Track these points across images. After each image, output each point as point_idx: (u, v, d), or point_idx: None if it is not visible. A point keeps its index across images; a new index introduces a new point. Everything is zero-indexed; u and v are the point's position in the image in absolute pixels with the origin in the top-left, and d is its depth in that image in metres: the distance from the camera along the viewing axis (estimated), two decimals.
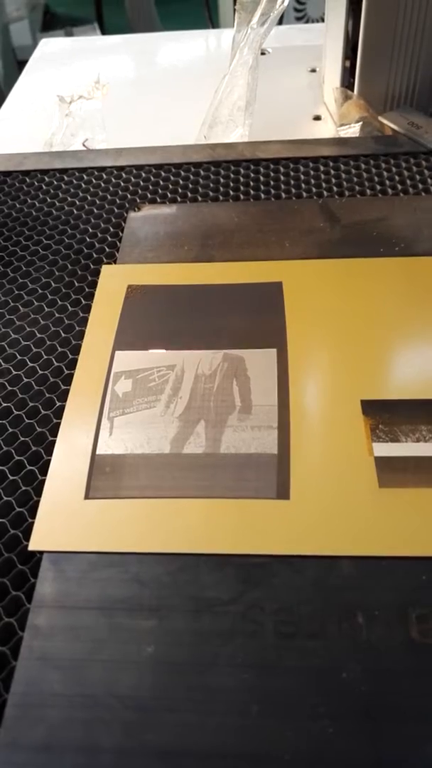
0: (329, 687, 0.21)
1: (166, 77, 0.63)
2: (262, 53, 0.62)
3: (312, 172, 0.44)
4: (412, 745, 0.20)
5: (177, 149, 0.47)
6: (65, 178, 0.45)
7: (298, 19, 1.36)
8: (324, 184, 0.43)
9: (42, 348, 0.33)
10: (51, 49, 0.70)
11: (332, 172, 0.43)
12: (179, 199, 0.43)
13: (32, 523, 0.26)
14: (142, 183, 0.44)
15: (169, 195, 0.43)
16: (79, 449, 0.28)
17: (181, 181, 0.44)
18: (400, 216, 0.39)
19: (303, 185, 0.43)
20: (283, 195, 0.42)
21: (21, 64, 0.68)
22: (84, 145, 0.50)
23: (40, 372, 0.32)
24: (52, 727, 0.21)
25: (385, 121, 0.47)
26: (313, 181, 0.43)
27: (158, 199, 0.43)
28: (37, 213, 0.42)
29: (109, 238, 0.40)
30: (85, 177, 0.45)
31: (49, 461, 0.28)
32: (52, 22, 1.97)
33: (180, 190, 0.43)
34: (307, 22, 1.36)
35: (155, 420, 0.29)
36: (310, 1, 1.33)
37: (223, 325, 0.33)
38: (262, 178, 0.44)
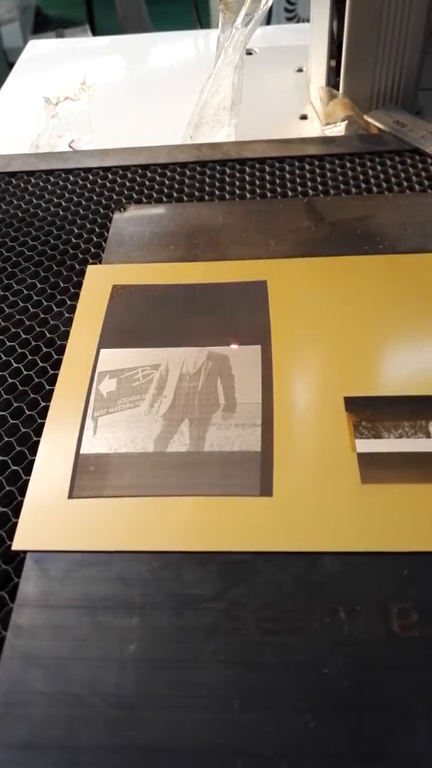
0: (311, 682, 0.22)
1: (152, 78, 0.63)
2: (249, 53, 0.62)
3: (297, 171, 0.44)
4: (393, 738, 0.20)
5: (163, 149, 0.47)
6: (51, 179, 0.45)
7: (289, 19, 1.36)
8: (309, 183, 0.43)
9: (27, 348, 0.33)
10: (40, 50, 0.70)
11: (317, 170, 0.44)
12: (165, 199, 0.43)
13: (16, 522, 0.26)
14: (128, 183, 0.44)
15: (154, 195, 0.43)
16: (63, 449, 0.28)
17: (166, 182, 0.44)
18: (385, 214, 0.39)
19: (288, 184, 0.43)
20: (269, 194, 0.42)
21: (12, 66, 0.68)
22: (70, 146, 0.50)
23: (25, 372, 0.32)
24: (34, 726, 0.21)
25: (371, 120, 0.47)
26: (298, 180, 0.43)
27: (144, 200, 0.43)
28: (23, 214, 0.42)
29: (95, 239, 0.40)
30: (71, 178, 0.45)
31: (33, 461, 0.28)
32: (44, 24, 1.97)
33: (166, 190, 0.43)
34: (298, 21, 1.36)
35: (139, 419, 0.29)
36: (301, 1, 1.34)
37: (207, 324, 0.33)
38: (247, 178, 0.44)
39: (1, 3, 1.71)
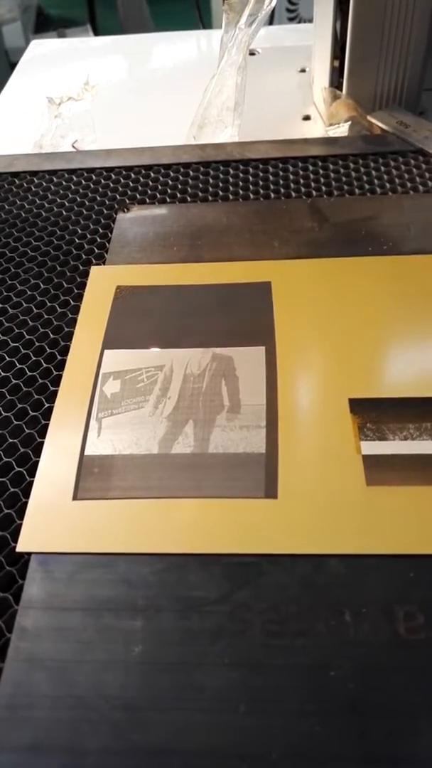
0: (317, 684, 0.21)
1: (155, 78, 0.63)
2: (252, 54, 0.62)
3: (301, 172, 0.44)
4: (399, 741, 0.20)
5: (166, 150, 0.47)
6: (54, 179, 0.45)
7: (291, 20, 1.36)
8: (313, 184, 0.43)
9: (30, 349, 0.33)
10: (42, 50, 0.70)
11: (321, 171, 0.44)
12: (168, 199, 0.43)
13: (20, 524, 0.26)
14: (131, 184, 0.44)
15: (158, 196, 0.43)
16: (68, 450, 0.28)
17: (170, 182, 0.44)
18: (389, 215, 0.39)
19: (292, 185, 0.43)
20: (272, 195, 0.42)
21: (13, 66, 0.68)
22: (73, 146, 0.50)
23: (29, 373, 0.32)
24: (39, 729, 0.21)
25: (374, 121, 0.47)
26: (302, 180, 0.43)
27: (147, 200, 0.43)
28: (26, 214, 0.42)
29: (98, 239, 0.40)
30: (74, 178, 0.45)
31: (37, 462, 0.28)
32: (45, 24, 1.97)
33: (169, 191, 0.43)
34: (299, 22, 1.36)
35: (144, 420, 0.29)
36: (303, 2, 1.33)
37: (211, 325, 0.33)
38: (251, 178, 0.44)
39: (3, 3, 1.71)
